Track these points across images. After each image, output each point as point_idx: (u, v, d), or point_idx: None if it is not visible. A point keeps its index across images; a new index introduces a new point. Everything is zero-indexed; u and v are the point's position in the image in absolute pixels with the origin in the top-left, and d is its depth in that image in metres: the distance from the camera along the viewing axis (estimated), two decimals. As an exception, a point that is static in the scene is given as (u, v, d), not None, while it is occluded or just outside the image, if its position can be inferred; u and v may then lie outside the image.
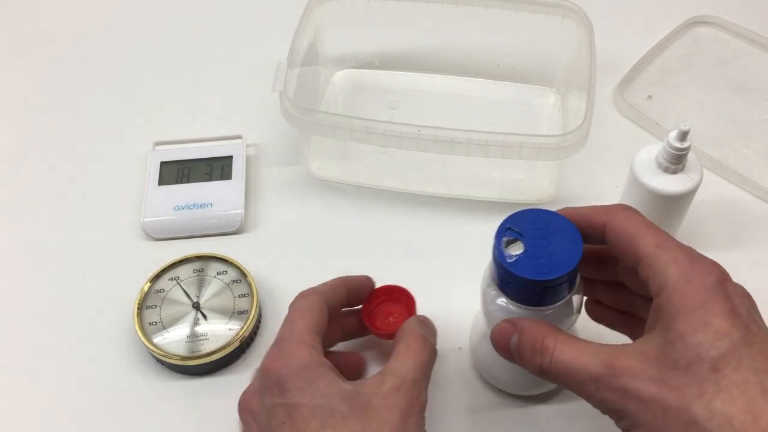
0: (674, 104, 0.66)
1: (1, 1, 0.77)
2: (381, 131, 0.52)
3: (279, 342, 0.39)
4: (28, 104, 0.67)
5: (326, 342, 0.42)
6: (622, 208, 0.37)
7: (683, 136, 0.47)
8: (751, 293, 0.34)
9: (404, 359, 0.39)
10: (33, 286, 0.54)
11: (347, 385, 0.37)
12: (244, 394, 0.41)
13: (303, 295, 0.42)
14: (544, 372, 0.35)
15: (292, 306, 0.42)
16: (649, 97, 0.66)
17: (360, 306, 0.46)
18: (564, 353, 0.34)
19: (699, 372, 0.30)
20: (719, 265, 0.34)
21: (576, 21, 0.61)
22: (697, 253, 0.34)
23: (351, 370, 0.46)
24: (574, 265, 0.36)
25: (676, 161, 0.48)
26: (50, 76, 0.70)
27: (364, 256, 0.55)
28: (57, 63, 0.71)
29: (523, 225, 0.37)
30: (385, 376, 0.38)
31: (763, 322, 0.33)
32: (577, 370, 0.33)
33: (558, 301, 0.38)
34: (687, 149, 0.48)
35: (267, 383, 0.37)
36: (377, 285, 0.47)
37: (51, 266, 0.55)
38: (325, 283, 0.44)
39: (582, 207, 0.38)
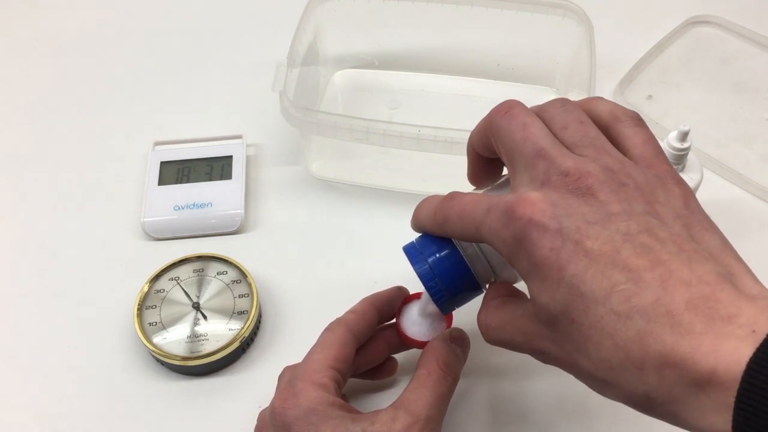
0: (674, 104, 0.65)
1: (1, 1, 0.77)
2: (381, 131, 0.51)
3: (292, 380, 0.39)
4: (28, 104, 0.67)
5: (366, 362, 0.44)
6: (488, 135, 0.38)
7: (683, 136, 0.47)
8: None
9: (422, 390, 0.38)
10: (33, 285, 0.54)
11: (356, 427, 0.36)
12: (256, 425, 0.41)
13: (328, 327, 0.42)
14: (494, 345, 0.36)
15: (318, 339, 0.41)
16: (649, 97, 0.66)
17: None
18: (494, 331, 0.35)
19: (562, 328, 0.30)
20: (519, 210, 0.31)
21: (576, 21, 0.61)
22: (505, 204, 0.32)
23: (383, 372, 0.46)
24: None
25: (677, 161, 0.48)
26: (50, 76, 0.70)
27: (364, 256, 0.55)
28: (57, 63, 0.71)
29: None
30: (397, 412, 0.37)
31: (587, 230, 0.30)
32: (508, 341, 0.35)
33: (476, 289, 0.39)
34: (687, 149, 0.48)
35: (275, 423, 0.37)
36: (385, 287, 0.46)
37: (51, 266, 0.55)
38: (352, 309, 0.43)
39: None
